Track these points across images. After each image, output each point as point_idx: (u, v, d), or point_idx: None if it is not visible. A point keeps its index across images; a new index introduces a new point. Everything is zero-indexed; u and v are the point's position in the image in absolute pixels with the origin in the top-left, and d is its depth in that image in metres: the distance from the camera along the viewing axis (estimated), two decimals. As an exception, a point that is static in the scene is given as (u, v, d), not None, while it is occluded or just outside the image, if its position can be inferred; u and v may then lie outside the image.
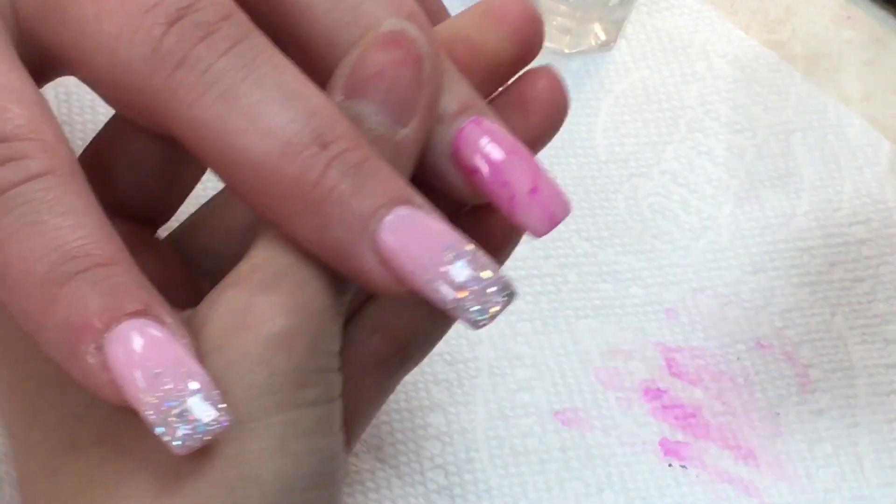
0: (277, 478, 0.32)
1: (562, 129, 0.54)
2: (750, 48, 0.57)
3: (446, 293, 0.32)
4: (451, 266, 0.32)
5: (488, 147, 0.35)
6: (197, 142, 0.32)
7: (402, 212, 0.32)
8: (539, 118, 0.36)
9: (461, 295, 0.32)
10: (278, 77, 0.32)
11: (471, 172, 0.35)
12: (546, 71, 0.37)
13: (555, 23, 0.55)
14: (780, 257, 0.52)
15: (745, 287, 0.51)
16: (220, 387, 0.31)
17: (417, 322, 0.38)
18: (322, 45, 0.34)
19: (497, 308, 0.33)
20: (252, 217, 0.37)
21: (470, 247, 0.32)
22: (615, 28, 0.56)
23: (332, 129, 0.32)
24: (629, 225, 0.52)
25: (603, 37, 0.56)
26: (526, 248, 0.50)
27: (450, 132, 0.35)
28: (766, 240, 0.52)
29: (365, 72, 0.33)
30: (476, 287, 0.32)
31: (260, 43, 0.33)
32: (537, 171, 0.35)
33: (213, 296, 0.33)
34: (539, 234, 0.35)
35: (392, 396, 0.45)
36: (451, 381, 0.47)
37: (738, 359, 0.49)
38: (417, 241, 0.32)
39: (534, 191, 0.35)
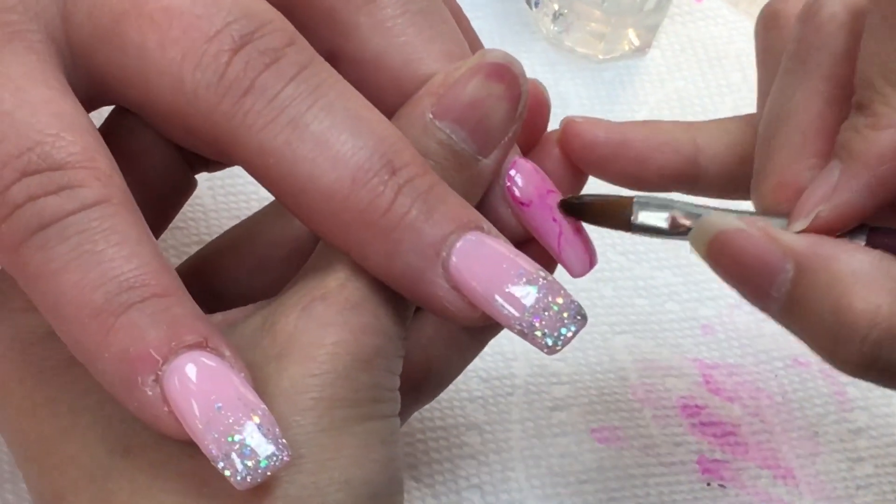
0: (365, 483, 0.32)
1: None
2: (785, 59, 0.56)
3: (519, 318, 0.32)
4: (524, 291, 0.32)
5: (539, 182, 0.35)
6: (264, 169, 0.32)
7: (472, 237, 0.32)
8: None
9: (535, 320, 0.32)
10: (344, 103, 0.32)
11: (522, 205, 0.35)
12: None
13: (588, 28, 0.54)
14: (818, 272, 0.51)
15: (782, 302, 0.50)
16: (307, 395, 0.32)
17: (431, 361, 0.38)
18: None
19: (570, 333, 0.32)
20: (287, 249, 0.37)
21: (542, 272, 0.32)
22: (649, 33, 0.55)
23: (400, 155, 0.32)
24: (664, 239, 0.51)
25: (637, 42, 0.55)
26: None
27: (504, 165, 0.35)
28: (803, 254, 0.52)
29: (461, 98, 0.33)
30: (549, 313, 0.32)
31: (324, 69, 0.33)
32: None
33: (301, 302, 0.33)
34: (579, 273, 0.36)
35: (427, 414, 0.45)
36: (487, 398, 0.46)
37: (776, 376, 0.49)
38: (489, 266, 0.32)
39: (578, 230, 0.35)
